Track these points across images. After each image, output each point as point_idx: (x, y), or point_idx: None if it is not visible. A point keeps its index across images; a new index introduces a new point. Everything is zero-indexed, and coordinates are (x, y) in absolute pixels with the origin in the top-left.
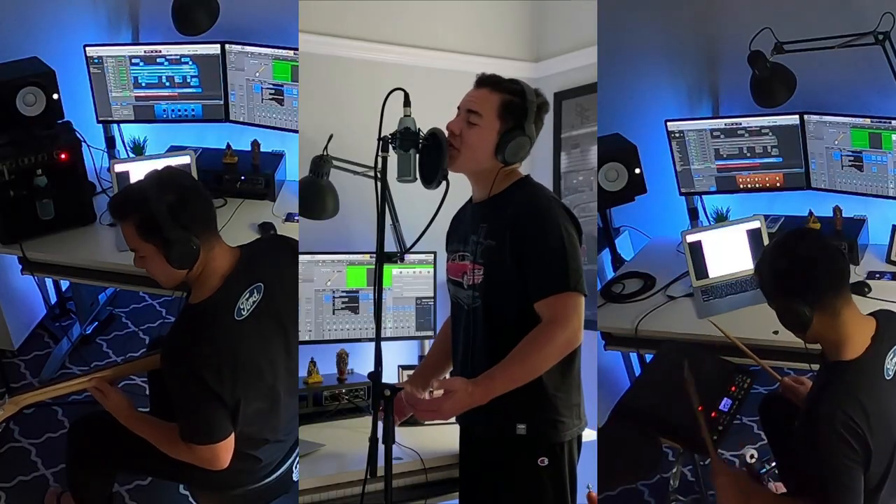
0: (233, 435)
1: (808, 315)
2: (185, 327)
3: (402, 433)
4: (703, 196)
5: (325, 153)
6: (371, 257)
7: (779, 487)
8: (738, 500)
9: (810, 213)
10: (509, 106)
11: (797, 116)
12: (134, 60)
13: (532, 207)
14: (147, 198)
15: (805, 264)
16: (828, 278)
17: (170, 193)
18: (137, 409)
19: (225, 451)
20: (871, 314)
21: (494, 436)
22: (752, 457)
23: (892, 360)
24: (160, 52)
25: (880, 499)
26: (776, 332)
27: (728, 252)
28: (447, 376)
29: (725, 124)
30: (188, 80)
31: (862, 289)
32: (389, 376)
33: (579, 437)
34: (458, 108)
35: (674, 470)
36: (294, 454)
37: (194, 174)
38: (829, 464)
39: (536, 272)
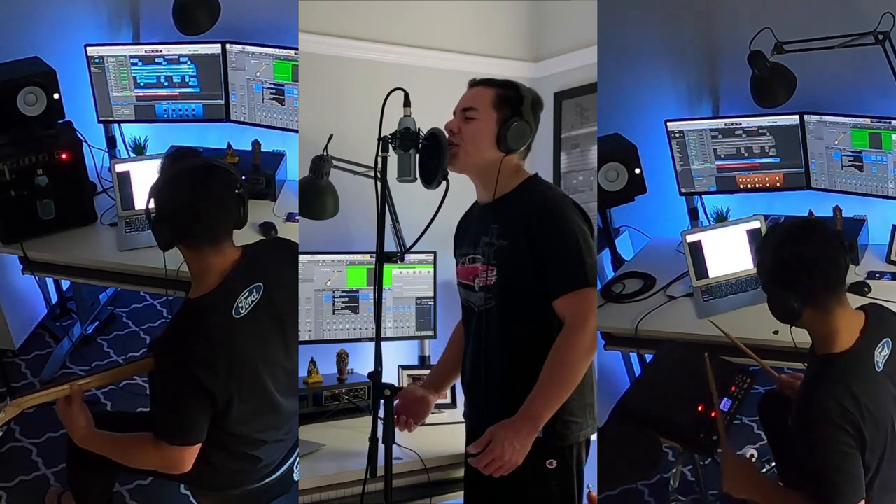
0: (201, 443)
1: (799, 310)
2: (181, 322)
3: (402, 433)
4: (703, 196)
5: (325, 153)
6: (371, 257)
7: None
8: (743, 485)
9: (810, 213)
10: (504, 97)
11: (797, 116)
12: (133, 60)
13: (545, 205)
14: (150, 194)
15: (806, 263)
16: (826, 279)
17: (163, 194)
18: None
19: (191, 455)
20: (859, 308)
21: None
22: (752, 457)
23: (881, 352)
24: (161, 52)
25: (874, 493)
26: (776, 332)
27: (728, 252)
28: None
29: (725, 124)
30: (186, 80)
31: (862, 289)
32: (389, 376)
33: (588, 439)
34: (454, 111)
35: (674, 470)
36: (294, 454)
37: None
38: (826, 454)
39: (554, 270)
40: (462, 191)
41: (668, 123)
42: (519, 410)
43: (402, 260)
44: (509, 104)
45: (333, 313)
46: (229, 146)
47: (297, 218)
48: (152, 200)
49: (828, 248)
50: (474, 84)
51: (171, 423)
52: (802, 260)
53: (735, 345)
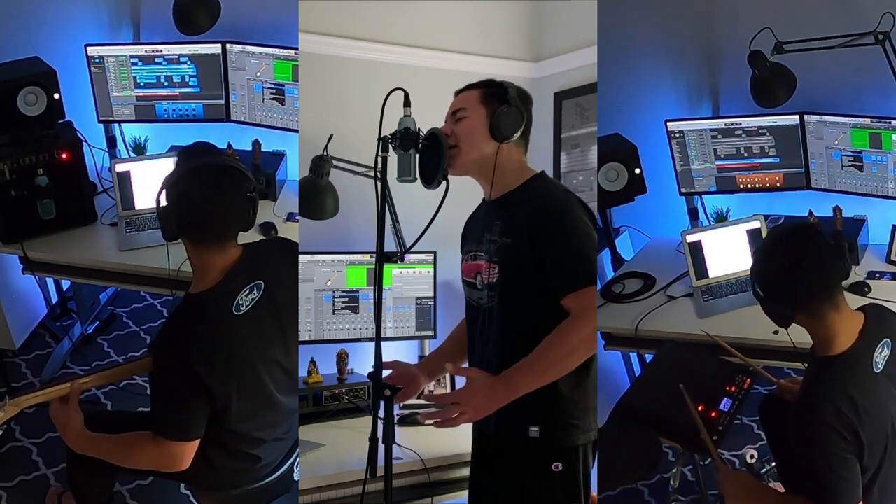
0: (199, 439)
1: (791, 316)
2: (181, 316)
3: (402, 433)
4: (703, 196)
5: (325, 153)
6: (371, 257)
7: (778, 487)
8: (742, 498)
9: (810, 213)
10: (489, 93)
11: (797, 116)
12: (133, 60)
13: (546, 203)
14: (163, 185)
15: (793, 273)
16: (817, 285)
17: (176, 188)
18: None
19: (189, 451)
20: (859, 308)
21: (506, 437)
22: (752, 457)
23: (880, 353)
24: (161, 52)
25: (874, 494)
26: (776, 332)
27: (728, 252)
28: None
29: (725, 124)
30: (186, 80)
31: (862, 289)
32: None
33: (594, 442)
34: (445, 119)
35: (674, 470)
36: (294, 454)
37: None
38: (823, 457)
39: (561, 268)
40: (462, 191)
41: (668, 123)
42: (501, 373)
43: (402, 260)
44: (496, 98)
45: (333, 313)
46: (229, 146)
47: (297, 218)
48: (164, 191)
49: (819, 255)
50: (459, 91)
51: (168, 419)
52: (789, 270)
53: (730, 352)
